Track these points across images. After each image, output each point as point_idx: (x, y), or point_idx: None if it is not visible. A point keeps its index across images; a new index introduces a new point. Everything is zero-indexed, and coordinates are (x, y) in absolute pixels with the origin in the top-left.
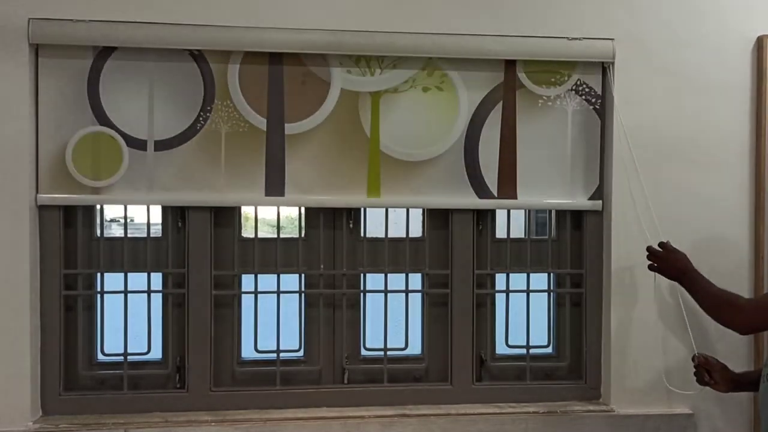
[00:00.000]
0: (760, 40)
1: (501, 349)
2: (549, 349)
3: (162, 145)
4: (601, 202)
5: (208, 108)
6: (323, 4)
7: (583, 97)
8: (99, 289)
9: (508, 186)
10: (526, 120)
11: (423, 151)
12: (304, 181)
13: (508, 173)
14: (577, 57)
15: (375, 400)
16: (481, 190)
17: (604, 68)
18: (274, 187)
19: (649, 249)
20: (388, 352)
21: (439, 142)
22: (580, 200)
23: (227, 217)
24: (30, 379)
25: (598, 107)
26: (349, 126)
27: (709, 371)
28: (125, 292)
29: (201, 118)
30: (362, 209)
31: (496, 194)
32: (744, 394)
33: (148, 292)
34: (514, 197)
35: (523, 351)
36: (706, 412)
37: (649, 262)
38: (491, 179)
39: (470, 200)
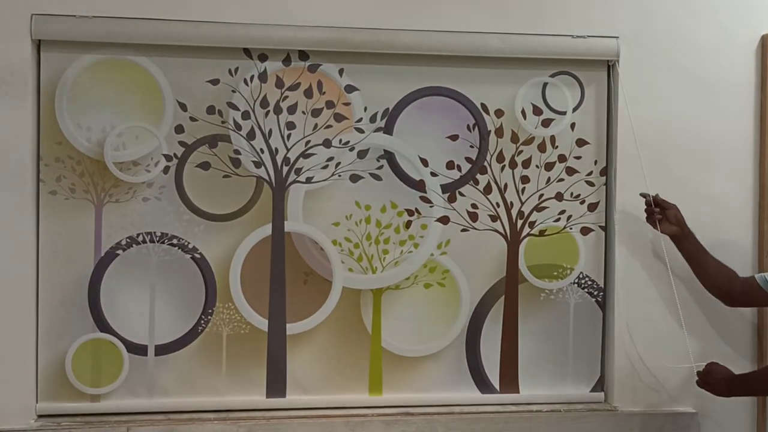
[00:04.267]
0: (764, 39)
1: None
2: None
3: (163, 350)
4: (603, 393)
5: (210, 311)
6: (325, 3)
7: (586, 290)
8: None
9: (509, 379)
10: (527, 313)
11: (425, 346)
12: (306, 381)
13: (509, 366)
14: (581, 55)
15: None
16: (483, 385)
17: (609, 66)
18: (276, 389)
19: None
20: None
21: (441, 337)
22: (582, 392)
23: None
24: (32, 377)
25: (600, 300)
26: (351, 323)
27: (661, 208)
28: None
29: (202, 321)
30: None
31: (498, 388)
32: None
33: None
34: (516, 391)
35: None
36: (710, 410)
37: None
38: (493, 373)
39: (473, 396)
